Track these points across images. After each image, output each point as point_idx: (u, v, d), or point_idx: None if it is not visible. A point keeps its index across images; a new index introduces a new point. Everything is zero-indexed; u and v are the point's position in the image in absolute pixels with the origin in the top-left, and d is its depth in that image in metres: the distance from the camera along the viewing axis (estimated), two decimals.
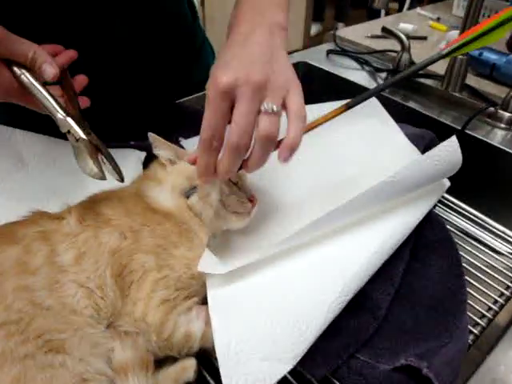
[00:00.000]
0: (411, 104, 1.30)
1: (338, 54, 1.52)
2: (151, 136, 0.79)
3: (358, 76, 1.41)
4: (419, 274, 0.80)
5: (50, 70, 0.71)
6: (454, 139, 0.79)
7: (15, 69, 0.69)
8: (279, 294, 0.67)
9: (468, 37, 0.68)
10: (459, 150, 0.79)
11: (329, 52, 1.52)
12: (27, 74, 0.69)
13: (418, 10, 1.82)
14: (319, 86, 1.48)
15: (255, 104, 0.57)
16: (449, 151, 0.79)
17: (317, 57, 1.52)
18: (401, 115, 1.29)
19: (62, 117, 0.70)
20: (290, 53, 1.23)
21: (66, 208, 0.73)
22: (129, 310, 0.65)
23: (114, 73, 1.08)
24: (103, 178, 0.73)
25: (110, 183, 0.78)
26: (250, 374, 0.58)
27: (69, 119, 0.71)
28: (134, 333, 0.64)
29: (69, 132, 0.71)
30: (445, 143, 0.79)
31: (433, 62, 0.76)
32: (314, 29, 5.28)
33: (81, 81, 0.84)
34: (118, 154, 0.82)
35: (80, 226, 0.68)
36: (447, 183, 0.88)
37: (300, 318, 0.63)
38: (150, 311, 0.65)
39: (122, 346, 0.62)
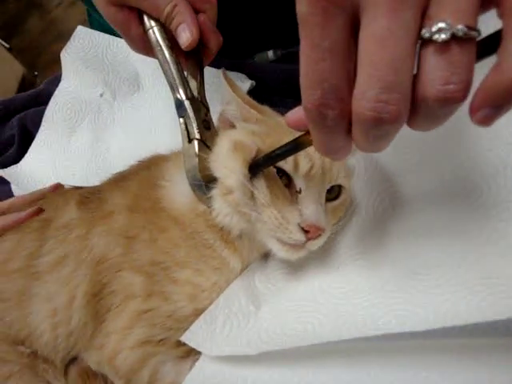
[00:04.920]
0: None
1: None
2: (222, 76, 0.54)
3: None
4: None
5: (186, 36, 0.52)
6: None
7: (145, 21, 0.54)
8: None
9: None
10: None
11: None
12: (156, 30, 0.53)
13: None
14: None
15: (408, 13, 0.25)
16: None
17: None
18: None
19: (180, 98, 0.52)
20: None
21: (78, 189, 0.60)
22: (98, 343, 0.50)
23: None
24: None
25: None
26: None
27: (187, 104, 0.52)
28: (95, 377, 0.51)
29: (181, 117, 0.52)
30: None
31: None
32: None
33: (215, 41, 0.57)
34: None
35: (76, 218, 0.54)
36: None
37: None
38: (121, 351, 0.49)
39: None
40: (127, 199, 0.54)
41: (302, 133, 0.38)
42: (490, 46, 0.27)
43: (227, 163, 0.47)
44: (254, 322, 0.48)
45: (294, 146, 0.40)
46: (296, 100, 0.77)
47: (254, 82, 0.73)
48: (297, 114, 0.35)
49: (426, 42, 0.25)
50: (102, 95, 0.85)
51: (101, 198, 0.56)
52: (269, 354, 0.43)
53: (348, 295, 0.47)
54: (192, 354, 0.49)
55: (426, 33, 0.25)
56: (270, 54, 0.83)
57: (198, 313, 0.50)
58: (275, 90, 0.76)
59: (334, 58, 0.27)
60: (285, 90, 0.77)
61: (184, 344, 0.49)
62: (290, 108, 0.58)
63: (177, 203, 0.52)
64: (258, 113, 0.51)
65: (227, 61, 0.72)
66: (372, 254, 0.50)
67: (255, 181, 0.47)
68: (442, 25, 0.25)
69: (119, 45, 0.84)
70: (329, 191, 0.50)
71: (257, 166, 0.46)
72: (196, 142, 0.50)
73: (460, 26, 0.24)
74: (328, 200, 0.50)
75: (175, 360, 0.50)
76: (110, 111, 0.85)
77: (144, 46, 0.55)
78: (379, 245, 0.51)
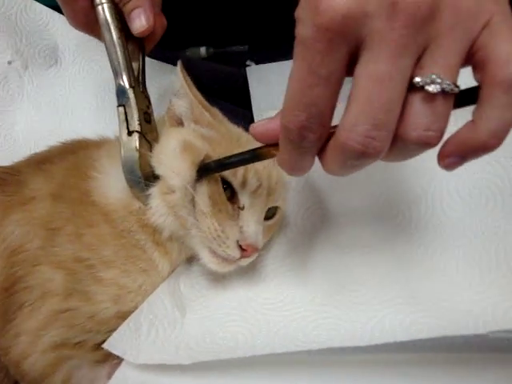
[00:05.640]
0: None
1: None
2: (178, 69, 0.51)
3: None
4: None
5: (140, 23, 0.48)
6: None
7: None
8: None
9: None
10: None
11: None
12: (106, 7, 0.48)
13: None
14: None
15: (407, 60, 0.28)
16: None
17: None
18: None
19: (122, 85, 0.49)
20: None
21: None
22: (5, 344, 0.45)
23: None
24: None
25: None
26: None
27: (130, 92, 0.49)
28: None
29: (120, 106, 0.49)
30: None
31: None
32: None
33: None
34: None
35: None
36: None
37: None
38: (31, 355, 0.45)
39: None
40: (51, 186, 0.49)
41: (261, 145, 0.39)
42: (464, 100, 0.30)
43: (174, 163, 0.46)
44: (180, 328, 0.47)
45: (252, 157, 0.40)
46: (225, 101, 0.75)
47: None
48: (264, 126, 0.36)
49: (415, 88, 0.28)
50: (10, 63, 0.76)
51: (19, 181, 0.50)
52: (196, 363, 0.42)
53: (277, 306, 0.49)
54: (109, 358, 0.47)
55: (419, 81, 0.28)
56: (203, 50, 0.81)
57: (120, 315, 0.47)
58: (207, 88, 0.75)
59: (327, 86, 0.28)
60: (216, 91, 0.76)
61: (101, 348, 0.46)
62: (221, 109, 0.58)
63: (109, 198, 0.49)
64: (210, 116, 0.50)
65: (159, 50, 0.69)
66: (300, 266, 0.52)
67: (198, 186, 0.45)
68: (434, 77, 0.27)
69: (38, 10, 0.75)
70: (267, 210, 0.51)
71: (205, 170, 0.45)
72: (137, 136, 0.48)
73: (448, 82, 0.27)
74: (264, 219, 0.50)
75: (91, 365, 0.46)
76: (18, 82, 0.76)
77: (86, 22, 0.50)
78: (307, 258, 0.53)
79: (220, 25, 0.82)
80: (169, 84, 0.71)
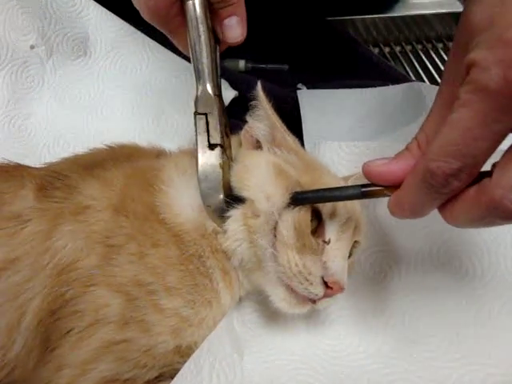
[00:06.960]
0: None
1: None
2: (259, 89, 0.46)
3: None
4: None
5: (235, 32, 0.44)
6: None
7: None
8: None
9: None
10: None
11: None
12: (198, 3, 0.42)
13: None
14: None
15: None
16: None
17: None
18: None
19: (209, 91, 0.43)
20: None
21: (35, 169, 0.46)
22: (44, 378, 0.38)
23: None
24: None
25: None
26: None
27: (216, 101, 0.43)
28: None
29: (201, 114, 0.43)
30: None
31: None
32: None
33: None
34: None
35: (34, 208, 0.41)
36: None
37: None
38: None
39: None
40: (111, 196, 0.43)
41: (367, 183, 0.37)
42: None
43: (267, 187, 0.42)
44: (241, 373, 0.43)
45: (361, 194, 0.37)
46: None
47: (237, 93, 0.67)
48: (386, 167, 0.34)
49: None
50: (32, 47, 0.68)
51: (68, 186, 0.43)
52: None
53: (342, 355, 0.46)
54: None
55: None
56: (242, 64, 0.78)
57: (178, 350, 0.41)
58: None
59: (493, 142, 0.28)
60: None
61: (158, 382, 0.41)
62: None
63: (181, 217, 0.43)
64: (292, 142, 0.46)
65: None
66: (361, 312, 0.49)
67: (284, 214, 0.41)
68: None
69: None
70: None
71: (300, 199, 0.41)
72: (220, 150, 0.43)
73: None
74: None
75: None
76: (39, 69, 0.69)
77: (165, 16, 0.44)
78: (367, 304, 0.50)
79: (260, 40, 0.79)
80: None
